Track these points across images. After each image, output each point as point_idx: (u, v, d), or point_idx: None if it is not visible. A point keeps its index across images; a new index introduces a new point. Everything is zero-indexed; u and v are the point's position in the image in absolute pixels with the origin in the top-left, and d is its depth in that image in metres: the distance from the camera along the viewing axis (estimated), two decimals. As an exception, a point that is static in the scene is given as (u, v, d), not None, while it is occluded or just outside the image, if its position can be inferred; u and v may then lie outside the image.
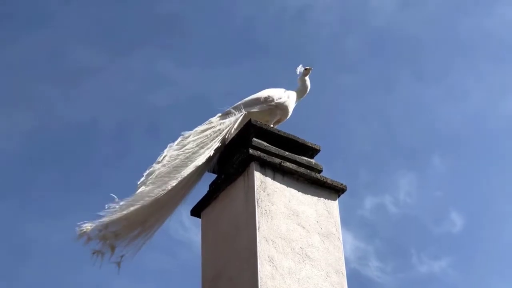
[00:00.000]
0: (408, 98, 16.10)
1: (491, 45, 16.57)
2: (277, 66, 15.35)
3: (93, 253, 5.89)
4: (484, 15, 16.53)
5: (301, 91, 6.75)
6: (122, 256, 5.94)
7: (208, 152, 6.20)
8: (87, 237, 5.87)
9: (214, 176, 6.26)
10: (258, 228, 5.54)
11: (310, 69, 6.74)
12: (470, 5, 16.45)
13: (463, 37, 16.29)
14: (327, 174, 6.13)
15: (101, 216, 5.91)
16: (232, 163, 6.03)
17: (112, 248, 5.93)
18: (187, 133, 6.31)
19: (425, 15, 16.48)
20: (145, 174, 6.09)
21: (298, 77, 6.76)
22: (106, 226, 5.91)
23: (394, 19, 16.53)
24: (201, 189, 6.24)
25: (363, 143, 15.72)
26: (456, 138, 16.32)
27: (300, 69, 6.74)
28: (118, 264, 5.92)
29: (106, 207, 5.93)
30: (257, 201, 5.66)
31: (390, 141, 15.98)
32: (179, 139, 6.28)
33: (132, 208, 5.94)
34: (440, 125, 16.37)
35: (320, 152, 6.29)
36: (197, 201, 6.21)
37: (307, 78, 6.74)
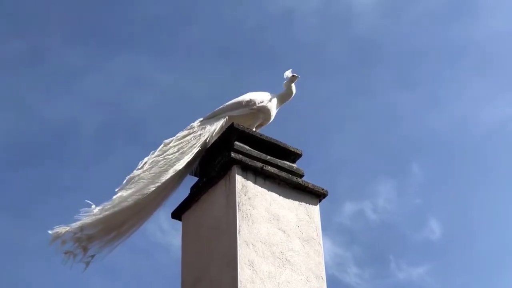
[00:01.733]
0: (389, 105, 16.18)
1: (472, 54, 16.69)
2: (259, 71, 15.40)
3: (65, 253, 5.87)
4: (467, 24, 16.65)
5: (285, 96, 6.74)
6: (92, 256, 5.93)
7: (188, 157, 6.20)
8: (61, 240, 5.86)
9: (196, 179, 6.26)
10: (239, 231, 5.54)
11: (297, 76, 6.72)
12: (454, 14, 16.54)
13: (444, 45, 16.39)
14: (307, 180, 6.14)
15: (77, 220, 5.90)
16: (214, 166, 6.03)
17: (85, 250, 5.91)
18: (168, 140, 6.32)
19: (407, 23, 16.58)
20: (125, 180, 6.09)
21: (284, 82, 6.75)
22: (81, 229, 5.90)
23: (377, 27, 16.61)
24: (183, 192, 6.25)
25: (343, 149, 15.77)
26: (436, 146, 16.41)
27: (288, 73, 6.73)
28: (87, 263, 5.91)
29: (82, 212, 5.93)
30: (238, 205, 5.65)
31: (370, 148, 16.03)
32: (161, 146, 6.29)
33: (108, 213, 5.93)
34: (420, 133, 16.46)
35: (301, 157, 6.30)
36: (178, 204, 6.19)
37: (293, 84, 6.73)
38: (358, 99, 16.40)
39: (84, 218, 5.90)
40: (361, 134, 16.15)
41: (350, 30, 16.66)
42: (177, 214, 6.20)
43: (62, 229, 5.86)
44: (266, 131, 6.47)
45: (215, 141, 6.28)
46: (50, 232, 5.84)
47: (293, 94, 6.74)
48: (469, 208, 16.19)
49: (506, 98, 16.47)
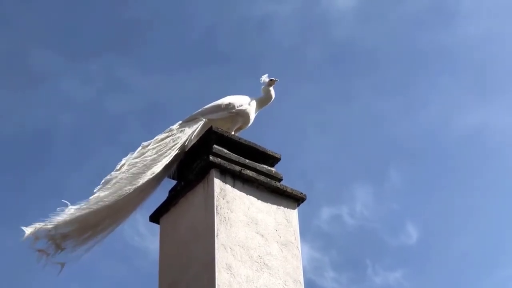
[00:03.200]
0: (366, 110, 16.21)
1: (449, 59, 16.78)
2: (238, 75, 15.40)
3: (38, 251, 5.83)
4: (443, 30, 16.73)
5: (264, 100, 6.74)
6: (62, 249, 5.88)
7: (166, 160, 6.19)
8: (35, 236, 5.81)
9: (174, 182, 6.24)
10: (217, 235, 5.52)
11: (275, 80, 6.72)
12: (430, 20, 16.63)
13: (421, 51, 16.45)
14: (285, 184, 6.13)
15: (51, 218, 5.86)
16: (192, 169, 6.02)
17: (58, 247, 5.87)
18: (146, 142, 6.30)
19: (384, 28, 16.64)
20: (102, 181, 6.06)
21: (263, 87, 6.74)
22: (56, 227, 5.86)
23: (354, 32, 16.65)
24: (161, 195, 6.22)
25: (320, 153, 15.78)
26: (413, 151, 16.47)
27: (264, 78, 6.73)
28: (62, 264, 5.87)
29: (58, 210, 5.88)
30: (216, 208, 5.64)
31: (347, 153, 16.05)
32: (139, 148, 6.28)
33: (84, 212, 5.91)
34: (397, 138, 16.51)
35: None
36: (156, 207, 6.17)
37: (271, 88, 6.73)
38: (336, 104, 16.46)
39: (59, 217, 5.86)
40: (339, 139, 16.20)
41: (328, 35, 16.70)
42: (155, 217, 6.18)
43: (36, 226, 5.81)
44: (243, 135, 6.48)
45: (194, 144, 6.27)
46: (23, 228, 5.79)
47: (273, 98, 6.75)
48: (445, 213, 16.28)
49: (482, 103, 16.61)
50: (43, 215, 5.89)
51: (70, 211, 5.88)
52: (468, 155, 16.63)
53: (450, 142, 16.70)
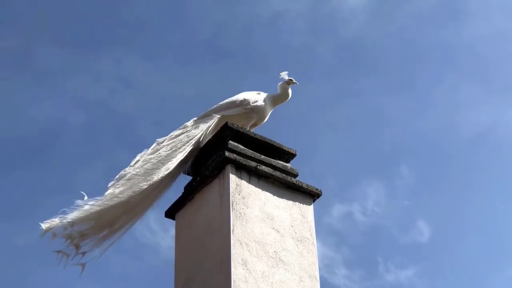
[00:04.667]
0: (377, 108, 16.19)
1: (460, 57, 16.76)
2: (247, 73, 15.40)
3: (57, 252, 5.81)
4: (451, 28, 16.71)
5: (279, 98, 6.71)
6: (84, 253, 5.85)
7: (181, 155, 6.18)
8: (53, 233, 5.78)
9: (189, 178, 6.24)
10: (232, 231, 5.52)
11: (295, 82, 6.70)
12: (439, 18, 16.61)
13: (430, 49, 16.43)
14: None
15: (67, 213, 5.83)
16: (208, 165, 6.01)
17: (77, 248, 5.85)
18: (161, 139, 6.30)
19: (394, 27, 16.62)
20: (116, 177, 6.06)
21: (280, 83, 6.72)
22: (72, 224, 5.83)
23: (364, 31, 16.63)
24: (176, 191, 6.23)
25: (331, 151, 15.77)
26: (425, 148, 16.45)
27: (284, 75, 6.71)
28: (83, 265, 5.86)
29: (74, 205, 5.86)
30: (232, 204, 5.64)
31: (358, 150, 16.04)
32: (154, 144, 6.27)
33: (100, 209, 5.89)
34: (408, 135, 16.50)
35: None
36: (172, 203, 6.18)
37: (289, 88, 6.69)
38: (347, 102, 16.45)
39: (75, 212, 5.83)
40: (350, 136, 16.18)
41: (339, 33, 16.70)
42: (170, 213, 6.18)
43: (53, 221, 5.79)
44: (255, 131, 6.46)
45: (209, 140, 6.27)
46: (41, 224, 5.77)
47: (289, 97, 6.72)
48: (457, 210, 16.26)
49: (494, 101, 16.57)
50: (54, 212, 5.87)
51: (86, 207, 5.86)
52: (481, 153, 16.59)
53: (463, 139, 16.68)
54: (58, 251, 5.82)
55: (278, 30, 16.47)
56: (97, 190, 6.02)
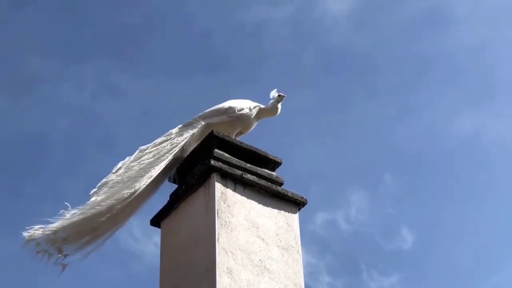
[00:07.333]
0: (362, 116, 16.24)
1: (443, 65, 16.84)
2: (233, 80, 15.41)
3: (38, 252, 5.79)
4: (438, 37, 16.79)
5: (269, 112, 6.66)
6: (66, 255, 5.85)
7: (164, 163, 6.17)
8: (36, 242, 5.78)
9: (175, 186, 6.23)
10: (218, 239, 5.52)
11: (284, 96, 6.67)
12: (425, 27, 16.70)
13: (416, 58, 16.52)
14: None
15: (51, 222, 5.83)
16: (193, 173, 6.01)
17: (60, 251, 5.85)
18: (144, 146, 6.28)
19: (379, 34, 16.69)
20: (98, 184, 6.04)
21: (272, 101, 6.67)
22: (55, 232, 5.83)
23: (349, 38, 16.70)
24: (161, 199, 6.22)
25: (315, 158, 15.79)
26: (408, 156, 16.51)
27: (274, 93, 6.66)
28: (63, 266, 5.84)
29: (58, 214, 5.86)
30: (217, 212, 5.64)
31: (342, 158, 16.07)
32: (136, 152, 6.25)
33: (83, 217, 5.88)
34: (392, 143, 16.55)
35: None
36: (157, 211, 6.17)
37: (279, 105, 6.65)
38: (331, 110, 16.48)
39: (58, 221, 5.83)
40: (333, 144, 16.22)
41: (323, 41, 16.74)
42: (156, 221, 6.17)
43: (36, 230, 5.78)
44: (242, 140, 6.46)
45: (195, 148, 6.27)
46: (24, 233, 5.76)
47: (278, 113, 6.69)
48: (440, 218, 16.32)
49: (476, 109, 16.67)
50: (39, 220, 5.86)
51: (69, 215, 5.86)
52: (462, 161, 16.70)
53: (445, 147, 16.75)
54: (40, 251, 5.79)
55: (264, 37, 16.52)
56: (83, 198, 6.02)
